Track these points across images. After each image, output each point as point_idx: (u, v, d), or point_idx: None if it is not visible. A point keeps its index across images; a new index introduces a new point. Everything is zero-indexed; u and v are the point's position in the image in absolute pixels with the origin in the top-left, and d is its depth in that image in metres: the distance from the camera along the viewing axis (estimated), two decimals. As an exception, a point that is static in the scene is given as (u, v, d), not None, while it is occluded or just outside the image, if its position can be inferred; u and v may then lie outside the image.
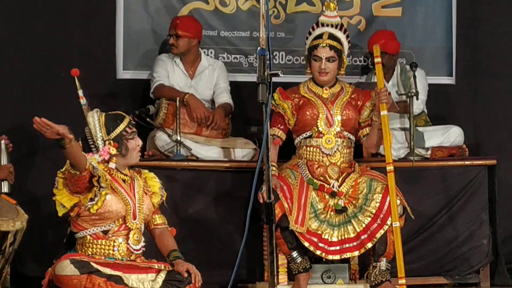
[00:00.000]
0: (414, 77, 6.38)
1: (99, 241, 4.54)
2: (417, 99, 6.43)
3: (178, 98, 6.16)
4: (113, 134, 4.56)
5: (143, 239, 4.67)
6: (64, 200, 4.43)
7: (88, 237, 4.53)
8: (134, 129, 4.66)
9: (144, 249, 4.68)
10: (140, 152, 4.73)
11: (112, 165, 4.56)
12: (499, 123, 7.10)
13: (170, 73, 6.44)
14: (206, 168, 6.07)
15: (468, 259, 6.19)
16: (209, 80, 6.51)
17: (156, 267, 4.53)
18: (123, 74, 6.75)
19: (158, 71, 6.41)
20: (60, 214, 4.48)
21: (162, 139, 6.17)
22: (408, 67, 6.61)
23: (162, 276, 4.49)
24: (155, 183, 4.80)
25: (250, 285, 5.85)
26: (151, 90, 6.39)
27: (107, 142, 4.55)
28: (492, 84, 7.15)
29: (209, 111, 6.29)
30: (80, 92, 4.66)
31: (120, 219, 4.57)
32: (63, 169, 4.37)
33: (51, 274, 4.41)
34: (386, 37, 6.62)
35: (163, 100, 6.25)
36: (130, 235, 4.59)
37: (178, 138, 6.09)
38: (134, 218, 4.61)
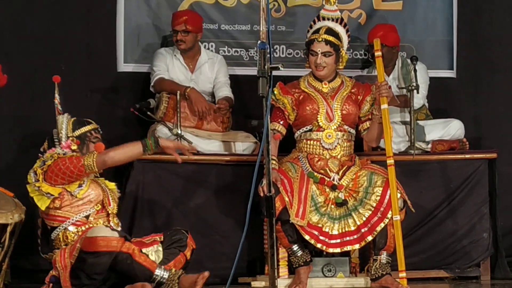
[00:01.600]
0: (415, 70, 6.37)
1: (84, 227, 4.70)
2: (418, 92, 6.43)
3: (178, 92, 6.16)
4: (77, 132, 4.88)
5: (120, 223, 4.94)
6: (50, 189, 4.63)
7: (71, 227, 4.62)
8: (99, 136, 4.97)
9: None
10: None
11: (64, 150, 4.78)
12: (499, 117, 7.09)
13: (170, 67, 6.44)
14: (206, 162, 6.07)
15: (468, 252, 6.19)
16: (209, 74, 6.51)
17: (158, 239, 4.85)
18: (124, 67, 6.75)
19: (158, 65, 6.41)
20: (43, 208, 4.60)
21: (162, 132, 6.17)
22: (409, 60, 6.61)
23: (160, 245, 4.80)
24: (108, 182, 5.06)
25: (251, 279, 5.85)
26: (151, 84, 6.39)
27: (70, 138, 4.83)
28: (493, 77, 7.14)
29: (210, 105, 6.29)
30: (57, 97, 4.82)
31: (99, 204, 4.80)
32: (62, 163, 4.58)
33: (75, 248, 4.47)
34: (385, 29, 6.62)
35: (164, 93, 6.25)
36: (110, 219, 4.84)
37: (179, 132, 6.09)
38: (110, 204, 4.86)
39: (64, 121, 4.83)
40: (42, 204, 4.61)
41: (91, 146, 4.87)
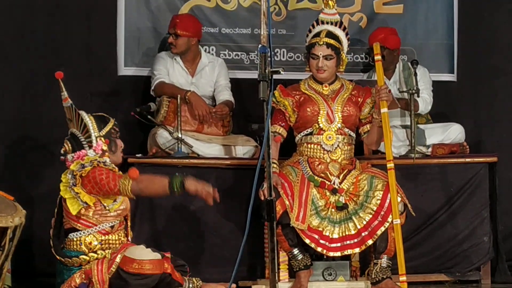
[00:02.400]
0: (415, 74, 6.38)
1: (108, 236, 4.69)
2: (418, 96, 6.44)
3: (179, 96, 6.16)
4: (104, 131, 4.79)
5: None
6: (87, 198, 4.60)
7: (96, 234, 4.62)
8: (118, 130, 4.92)
9: None
10: (122, 153, 4.97)
11: (104, 159, 4.70)
12: (500, 120, 7.09)
13: (170, 70, 6.43)
14: (207, 166, 6.07)
15: (468, 256, 6.19)
16: (209, 78, 6.51)
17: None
18: (124, 70, 6.75)
19: (159, 69, 6.41)
20: (74, 213, 4.57)
21: (163, 136, 6.17)
22: (409, 64, 6.62)
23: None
24: None
25: (251, 282, 5.85)
26: (152, 88, 6.39)
27: (98, 139, 4.75)
28: (493, 81, 7.14)
29: (211, 108, 6.29)
30: (65, 94, 4.75)
31: (123, 216, 4.78)
32: (96, 176, 4.59)
33: (113, 263, 4.49)
34: (386, 32, 6.63)
35: (164, 97, 6.25)
36: (129, 231, 4.84)
37: (179, 136, 6.09)
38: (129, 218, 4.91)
39: (88, 121, 4.75)
40: (73, 209, 4.59)
41: (118, 142, 4.85)
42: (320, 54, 5.63)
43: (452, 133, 6.53)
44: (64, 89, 4.77)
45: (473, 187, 6.23)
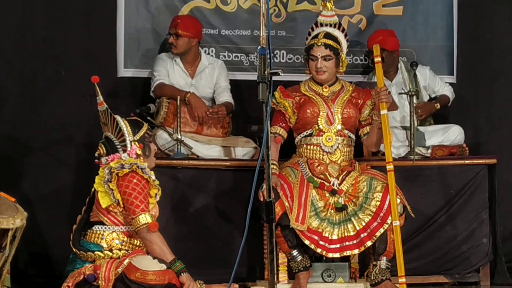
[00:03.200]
0: (415, 75, 6.39)
1: (130, 239, 4.69)
2: (417, 98, 6.46)
3: (179, 97, 6.16)
4: (138, 136, 4.80)
5: None
6: (118, 196, 4.60)
7: (120, 234, 4.66)
8: (151, 134, 4.99)
9: None
10: (155, 157, 5.00)
11: (143, 165, 4.70)
12: (499, 122, 7.10)
13: (170, 72, 6.44)
14: (206, 167, 6.08)
15: (468, 258, 6.19)
16: (209, 79, 6.51)
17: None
18: (124, 72, 6.75)
19: (159, 70, 6.41)
20: (103, 206, 4.60)
21: (162, 137, 6.18)
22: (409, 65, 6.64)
23: None
24: None
25: (250, 284, 5.85)
26: (152, 89, 6.39)
27: (133, 143, 4.76)
28: (493, 83, 7.15)
29: (209, 109, 6.29)
30: (100, 98, 4.76)
31: None
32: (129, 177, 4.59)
33: (120, 265, 4.50)
34: (384, 34, 6.64)
35: (164, 99, 6.26)
36: None
37: (179, 137, 6.10)
38: None
39: (123, 126, 4.76)
40: (104, 202, 4.60)
41: (152, 146, 4.87)
42: (319, 55, 5.64)
43: (451, 134, 6.54)
44: (99, 93, 4.77)
45: (472, 189, 6.23)
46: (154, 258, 4.60)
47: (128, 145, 4.74)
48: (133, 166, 4.60)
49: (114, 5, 6.72)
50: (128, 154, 4.72)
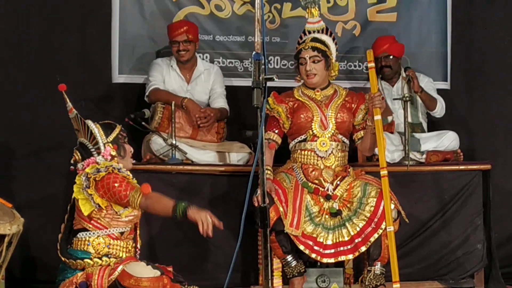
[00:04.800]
0: (408, 81, 6.40)
1: (117, 241, 4.69)
2: (412, 103, 6.48)
3: (174, 102, 6.16)
4: (111, 137, 4.81)
5: None
6: (99, 201, 4.61)
7: (105, 237, 4.65)
8: (126, 135, 4.93)
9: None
10: (132, 158, 4.99)
11: (119, 165, 4.72)
12: (494, 128, 7.11)
13: (166, 77, 6.44)
14: (201, 172, 6.08)
15: (462, 263, 6.20)
16: (205, 85, 6.52)
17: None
18: (118, 78, 6.76)
19: (154, 75, 6.41)
20: (86, 213, 4.60)
21: (157, 143, 6.18)
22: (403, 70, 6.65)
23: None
24: None
25: (245, 289, 5.86)
26: (146, 94, 6.39)
27: (106, 145, 4.77)
28: (487, 89, 7.16)
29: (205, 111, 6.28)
30: (69, 105, 4.78)
31: (133, 224, 4.79)
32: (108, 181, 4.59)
33: (113, 273, 4.52)
34: (390, 40, 6.66)
35: (159, 104, 6.26)
36: (138, 239, 4.83)
37: (174, 142, 6.10)
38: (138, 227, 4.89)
39: (95, 129, 4.79)
40: (86, 209, 4.62)
41: (126, 147, 4.88)
42: (307, 56, 5.65)
43: (446, 140, 6.55)
44: (68, 101, 4.79)
45: (466, 194, 6.24)
46: (147, 264, 4.60)
47: (102, 147, 4.76)
48: (109, 169, 4.63)
49: (109, 11, 6.73)
50: (103, 156, 4.74)
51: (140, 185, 4.65)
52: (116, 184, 4.60)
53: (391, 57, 6.61)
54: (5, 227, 4.60)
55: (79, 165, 4.77)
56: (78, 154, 4.79)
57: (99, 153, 4.75)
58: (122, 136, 4.87)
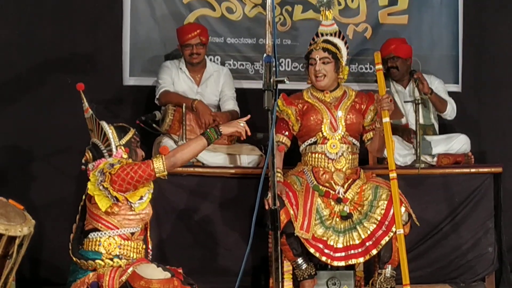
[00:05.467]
0: (417, 84, 6.39)
1: (128, 242, 4.70)
2: (425, 106, 6.47)
3: (184, 104, 6.17)
4: (124, 140, 4.81)
5: None
6: (116, 194, 4.60)
7: (116, 237, 4.64)
8: (139, 140, 4.94)
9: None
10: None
11: (130, 160, 4.73)
12: (505, 131, 7.10)
13: (175, 80, 6.45)
14: (211, 175, 6.08)
15: (473, 266, 6.18)
16: (214, 87, 6.53)
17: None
18: (129, 80, 6.77)
19: (163, 78, 6.42)
20: (103, 209, 4.60)
21: (168, 145, 6.17)
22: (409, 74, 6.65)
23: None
24: None
25: (255, 292, 5.87)
26: (156, 97, 6.40)
27: (119, 147, 4.77)
28: (498, 92, 7.15)
29: (215, 116, 6.29)
30: (86, 105, 4.79)
31: (144, 224, 4.79)
32: (126, 165, 4.61)
33: (124, 274, 4.52)
34: (397, 42, 6.66)
35: (170, 106, 6.27)
36: (148, 240, 4.84)
37: (184, 144, 6.09)
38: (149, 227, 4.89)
39: (109, 131, 4.78)
40: (103, 204, 4.60)
41: (138, 151, 4.89)
42: (317, 57, 5.65)
43: (457, 143, 6.53)
44: (85, 100, 4.80)
45: (477, 197, 6.23)
46: (158, 266, 4.60)
47: (114, 150, 4.76)
48: (123, 161, 4.64)
49: (120, 14, 6.75)
50: (114, 158, 4.73)
51: (149, 191, 4.65)
52: (134, 168, 4.59)
53: (397, 58, 6.59)
54: (16, 228, 4.61)
55: (90, 165, 4.77)
56: (90, 154, 4.79)
57: (110, 155, 4.75)
58: (135, 140, 4.87)
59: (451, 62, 7.13)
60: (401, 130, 6.43)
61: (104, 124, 4.82)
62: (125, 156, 4.77)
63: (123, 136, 4.82)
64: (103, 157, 4.76)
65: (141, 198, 4.67)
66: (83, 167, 4.82)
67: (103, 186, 4.60)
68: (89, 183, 4.68)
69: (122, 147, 4.78)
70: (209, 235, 6.00)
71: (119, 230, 4.68)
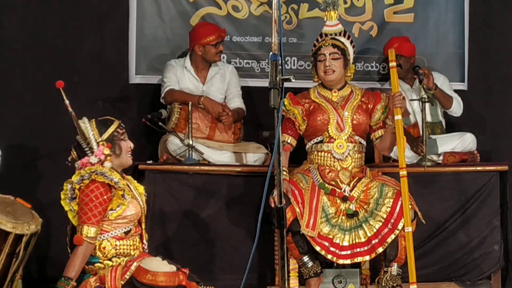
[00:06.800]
0: (420, 81, 6.38)
1: (123, 241, 4.64)
2: (432, 104, 6.47)
3: (190, 103, 6.17)
4: (105, 135, 4.70)
5: None
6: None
7: (110, 239, 4.60)
8: (124, 131, 4.80)
9: None
10: (132, 154, 4.85)
11: (108, 164, 4.65)
12: (511, 129, 7.09)
13: (180, 78, 6.45)
14: (218, 173, 6.09)
15: (479, 264, 6.18)
16: (220, 85, 6.53)
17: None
18: (135, 79, 6.78)
19: (168, 76, 6.42)
20: (76, 223, 4.53)
21: (174, 143, 6.19)
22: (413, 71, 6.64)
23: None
24: (138, 185, 4.87)
25: (261, 290, 5.87)
26: (162, 95, 6.40)
27: (100, 143, 4.67)
28: (504, 89, 7.15)
29: (223, 106, 6.30)
30: (67, 102, 4.73)
31: (136, 221, 4.70)
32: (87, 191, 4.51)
33: (128, 271, 4.49)
34: (400, 40, 6.66)
35: (176, 104, 6.27)
36: (143, 235, 4.76)
37: (190, 143, 6.11)
38: (144, 222, 4.80)
39: (88, 128, 4.68)
40: (75, 221, 4.56)
41: (122, 144, 4.74)
42: (327, 53, 5.65)
43: (463, 141, 6.53)
44: (65, 98, 4.74)
45: (484, 195, 6.22)
46: (163, 259, 4.59)
47: (95, 147, 4.66)
48: (92, 175, 4.53)
49: (126, 12, 6.76)
50: (96, 156, 4.67)
51: (125, 199, 4.58)
52: (91, 204, 4.49)
53: (400, 56, 6.58)
54: (23, 227, 4.62)
55: (76, 164, 4.72)
56: (75, 152, 4.73)
57: (92, 153, 4.68)
58: (119, 133, 4.73)
59: (457, 60, 7.13)
60: (411, 139, 6.38)
61: (83, 121, 4.71)
62: (106, 152, 4.64)
63: (104, 131, 4.70)
64: (86, 155, 4.68)
65: (111, 210, 4.58)
66: (69, 164, 4.77)
67: (72, 207, 4.54)
68: (61, 193, 4.60)
69: (104, 143, 4.71)
70: (215, 233, 6.01)
71: (111, 233, 4.61)
